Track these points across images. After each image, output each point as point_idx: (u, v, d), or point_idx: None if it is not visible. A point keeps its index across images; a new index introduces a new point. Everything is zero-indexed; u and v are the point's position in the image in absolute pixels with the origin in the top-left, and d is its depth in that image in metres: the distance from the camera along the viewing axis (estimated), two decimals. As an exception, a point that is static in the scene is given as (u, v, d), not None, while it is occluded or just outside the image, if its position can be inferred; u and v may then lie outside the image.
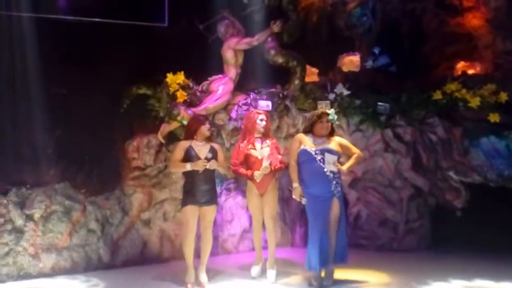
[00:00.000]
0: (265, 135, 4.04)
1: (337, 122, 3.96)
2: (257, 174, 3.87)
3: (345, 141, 3.97)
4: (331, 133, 3.88)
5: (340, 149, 3.83)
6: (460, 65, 5.43)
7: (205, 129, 3.80)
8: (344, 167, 3.81)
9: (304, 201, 3.77)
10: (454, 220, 4.93)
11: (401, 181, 4.99)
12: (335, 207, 3.74)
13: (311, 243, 3.75)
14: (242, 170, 3.95)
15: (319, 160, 3.72)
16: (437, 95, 4.95)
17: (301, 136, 3.87)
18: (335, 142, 3.84)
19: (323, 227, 3.70)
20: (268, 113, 4.26)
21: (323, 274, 3.78)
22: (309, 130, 3.87)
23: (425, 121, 4.99)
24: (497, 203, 4.89)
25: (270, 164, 3.87)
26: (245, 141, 4.01)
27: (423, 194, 5.04)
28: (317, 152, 3.73)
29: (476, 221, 4.94)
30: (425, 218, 5.05)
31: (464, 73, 5.28)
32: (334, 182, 3.72)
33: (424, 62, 5.69)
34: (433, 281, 3.87)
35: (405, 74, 5.51)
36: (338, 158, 3.80)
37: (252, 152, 3.94)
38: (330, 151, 3.74)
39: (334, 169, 3.71)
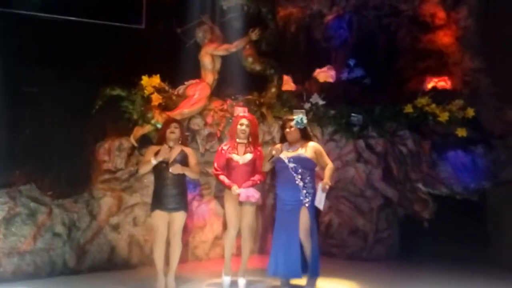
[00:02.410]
0: (252, 141, 3.95)
1: (302, 126, 3.80)
2: (234, 189, 3.81)
3: (320, 149, 3.86)
4: (306, 138, 3.84)
5: (314, 156, 3.78)
6: (431, 80, 5.62)
7: (168, 132, 3.72)
8: (326, 181, 3.70)
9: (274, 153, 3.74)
10: (422, 230, 5.06)
11: (372, 191, 5.10)
12: (304, 216, 3.70)
13: (272, 249, 3.82)
14: (223, 179, 3.86)
15: (291, 168, 3.72)
16: (408, 109, 5.11)
17: (278, 145, 3.86)
18: (310, 149, 3.79)
19: (287, 235, 3.71)
20: (253, 120, 4.09)
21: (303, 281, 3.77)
22: (283, 138, 3.90)
23: (396, 134, 5.13)
24: (462, 215, 5.07)
25: (244, 196, 3.79)
26: (228, 145, 3.96)
27: (393, 205, 5.15)
28: (290, 160, 3.74)
29: (442, 232, 5.10)
30: (394, 228, 5.17)
31: (434, 88, 5.47)
32: (304, 191, 3.71)
33: (397, 76, 5.86)
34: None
35: (379, 87, 5.66)
36: (313, 167, 3.79)
37: (233, 156, 3.89)
38: (305, 160, 3.73)
39: (323, 201, 3.69)
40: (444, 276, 4.35)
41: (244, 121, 3.96)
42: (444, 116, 5.02)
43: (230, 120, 4.40)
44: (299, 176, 3.73)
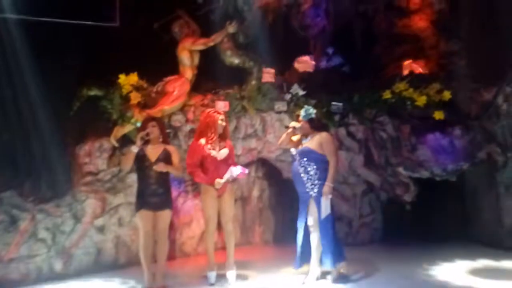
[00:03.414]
0: (223, 136, 4.02)
1: (308, 118, 3.84)
2: (218, 182, 3.83)
3: (326, 140, 3.82)
4: (318, 129, 3.86)
5: (320, 147, 3.78)
6: (408, 64, 5.68)
7: (140, 134, 3.67)
8: (328, 183, 3.71)
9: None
10: (404, 213, 5.18)
11: (354, 177, 5.18)
12: (311, 208, 3.78)
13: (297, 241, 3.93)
14: (202, 175, 3.85)
15: (298, 161, 3.80)
16: (387, 95, 5.16)
17: (296, 137, 3.96)
18: (316, 140, 3.81)
19: (301, 226, 3.86)
20: (226, 114, 4.25)
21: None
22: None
23: (376, 120, 5.19)
24: (443, 196, 5.21)
25: (238, 175, 3.87)
26: (201, 141, 3.93)
27: (375, 190, 5.25)
28: (298, 153, 3.84)
29: (424, 214, 5.23)
30: (377, 213, 5.28)
31: (411, 73, 5.53)
32: (309, 183, 3.75)
33: (375, 62, 5.90)
34: (387, 271, 4.08)
35: (358, 74, 5.70)
36: (320, 158, 3.75)
37: (212, 153, 3.89)
38: (308, 152, 3.77)
39: (328, 210, 3.73)
40: (427, 256, 4.50)
41: (223, 117, 4.01)
42: (421, 100, 5.10)
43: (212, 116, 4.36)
44: (303, 169, 3.78)
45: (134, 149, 3.64)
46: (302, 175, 3.79)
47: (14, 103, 4.40)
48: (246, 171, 3.98)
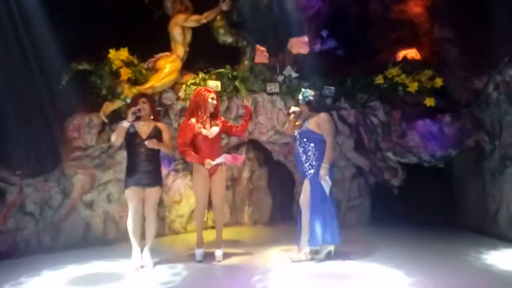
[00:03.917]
0: (213, 115, 4.00)
1: (305, 101, 3.87)
2: (209, 162, 3.83)
3: (323, 121, 3.83)
4: (316, 111, 3.87)
5: (317, 127, 3.83)
6: (402, 51, 5.67)
7: (131, 109, 3.62)
8: (324, 165, 3.74)
9: None
10: (392, 197, 5.26)
11: (344, 161, 5.22)
12: (305, 187, 3.85)
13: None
14: (193, 154, 3.84)
15: (298, 141, 3.89)
16: (379, 80, 5.17)
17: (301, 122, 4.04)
18: (314, 121, 3.86)
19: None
20: (217, 93, 4.22)
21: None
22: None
23: (368, 104, 5.21)
24: (430, 181, 5.29)
25: (225, 163, 3.92)
26: (192, 120, 3.90)
27: (364, 174, 5.30)
28: (298, 133, 3.92)
29: (411, 199, 5.32)
30: (365, 196, 5.35)
31: (404, 58, 5.54)
32: (307, 164, 3.82)
33: (369, 47, 5.88)
34: (372, 252, 4.15)
35: (351, 58, 5.68)
36: (317, 138, 3.79)
37: (202, 131, 3.87)
38: (306, 133, 3.84)
39: (329, 182, 3.80)
40: (413, 239, 4.58)
41: (214, 95, 3.98)
42: (413, 86, 5.12)
43: (203, 94, 4.33)
44: (302, 149, 3.86)
45: (125, 124, 3.61)
46: (301, 155, 3.85)
47: (2, 76, 4.30)
48: (241, 159, 4.04)
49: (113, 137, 3.72)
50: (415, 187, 5.25)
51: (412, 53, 5.62)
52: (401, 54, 5.60)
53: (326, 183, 3.79)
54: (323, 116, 3.86)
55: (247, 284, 3.36)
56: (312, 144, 3.82)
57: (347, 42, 5.85)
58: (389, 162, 5.13)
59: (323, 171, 3.74)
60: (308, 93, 3.91)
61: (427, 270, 3.56)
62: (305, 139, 3.84)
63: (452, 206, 5.30)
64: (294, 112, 3.97)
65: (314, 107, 3.90)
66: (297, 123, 4.02)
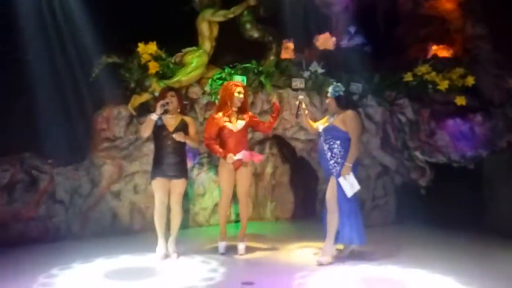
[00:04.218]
0: (241, 110, 3.99)
1: (335, 95, 3.78)
2: (231, 157, 3.84)
3: (350, 118, 3.74)
4: (344, 107, 3.78)
5: (343, 124, 3.73)
6: (432, 47, 5.53)
7: (161, 102, 3.67)
8: (347, 164, 3.65)
9: None
10: (418, 198, 5.15)
11: (369, 159, 5.14)
12: (330, 185, 3.74)
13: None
14: (217, 148, 3.88)
15: (322, 138, 3.80)
16: (408, 77, 5.06)
17: (325, 118, 3.97)
18: (341, 118, 3.75)
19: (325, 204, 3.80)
20: (246, 88, 4.17)
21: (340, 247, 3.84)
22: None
23: (396, 102, 5.10)
24: (459, 182, 5.14)
25: (247, 155, 3.88)
26: (219, 114, 3.93)
27: (390, 173, 5.21)
28: (323, 130, 3.82)
29: (439, 200, 5.18)
30: (391, 195, 5.25)
31: (435, 56, 5.39)
32: (333, 161, 3.72)
33: (397, 44, 5.77)
34: (395, 252, 4.07)
35: (379, 55, 5.58)
36: (343, 136, 3.71)
37: (227, 125, 3.90)
38: (332, 130, 3.74)
39: (357, 186, 3.67)
40: (438, 242, 4.46)
41: (241, 89, 3.98)
42: (443, 84, 4.99)
43: (231, 88, 4.35)
44: (327, 146, 3.74)
45: (154, 116, 3.67)
46: (326, 152, 3.75)
47: (36, 67, 4.47)
48: (260, 158, 4.01)
49: (142, 129, 3.79)
50: (443, 188, 5.12)
51: (442, 50, 5.48)
52: (431, 51, 5.46)
53: (347, 182, 3.66)
54: (350, 113, 3.78)
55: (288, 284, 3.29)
56: (338, 142, 3.73)
57: (375, 38, 5.74)
58: (416, 161, 5.02)
59: (346, 170, 3.67)
60: (339, 88, 3.83)
61: (476, 277, 3.39)
62: (330, 136, 3.76)
63: (480, 209, 5.14)
64: (301, 102, 3.87)
65: (343, 103, 3.82)
66: (306, 112, 3.91)
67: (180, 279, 3.37)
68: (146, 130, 3.75)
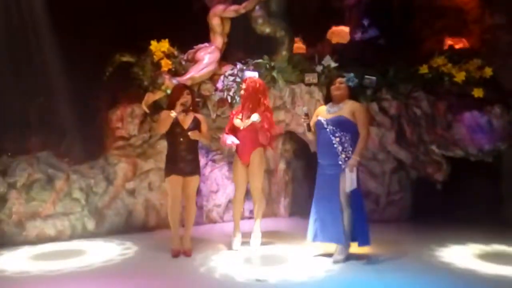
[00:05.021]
0: (253, 106, 3.91)
1: (354, 84, 3.74)
2: (238, 122, 3.86)
3: (359, 109, 3.62)
4: (351, 98, 3.68)
5: (353, 118, 3.58)
6: (448, 39, 5.41)
7: (181, 101, 3.69)
8: (356, 157, 3.51)
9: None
10: (435, 192, 5.06)
11: (384, 154, 5.06)
12: (343, 182, 3.55)
13: (311, 215, 3.75)
14: (222, 139, 3.95)
15: (330, 130, 3.58)
16: (424, 69, 4.95)
17: (320, 108, 3.81)
18: (349, 109, 3.59)
19: (327, 201, 3.61)
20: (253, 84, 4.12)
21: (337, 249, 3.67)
22: (328, 99, 3.78)
23: (411, 95, 5.00)
24: (476, 176, 5.03)
25: (257, 121, 3.78)
26: (238, 110, 3.99)
27: (405, 167, 5.12)
28: (328, 122, 3.61)
29: (456, 194, 5.08)
30: (406, 191, 5.16)
31: (451, 47, 5.27)
32: (343, 155, 3.55)
33: (412, 36, 5.64)
34: (413, 248, 4.02)
35: (394, 48, 5.47)
36: (353, 129, 3.56)
37: (236, 121, 3.93)
38: (343, 122, 3.56)
39: (354, 182, 3.52)
40: (455, 236, 4.38)
41: (245, 85, 3.96)
42: (460, 76, 4.86)
43: (241, 85, 4.34)
44: (338, 139, 3.57)
45: (173, 114, 3.69)
46: (335, 146, 3.56)
47: (50, 67, 4.52)
48: (228, 141, 3.88)
49: (159, 126, 3.80)
50: (460, 183, 5.01)
51: (459, 42, 5.34)
52: (447, 43, 5.34)
53: (351, 176, 3.51)
54: (359, 105, 3.67)
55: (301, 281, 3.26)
56: (348, 135, 3.57)
57: (389, 31, 5.64)
58: (432, 155, 4.92)
59: (353, 162, 3.51)
60: (355, 80, 3.73)
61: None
62: (340, 129, 3.56)
63: (499, 203, 5.02)
64: (307, 115, 3.70)
65: (351, 94, 3.73)
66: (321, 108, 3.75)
67: (195, 276, 3.39)
68: (164, 128, 3.76)
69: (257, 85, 3.99)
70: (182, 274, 3.45)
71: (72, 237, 4.22)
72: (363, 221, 3.66)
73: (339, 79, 3.74)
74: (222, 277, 3.36)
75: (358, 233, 3.67)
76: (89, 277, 3.38)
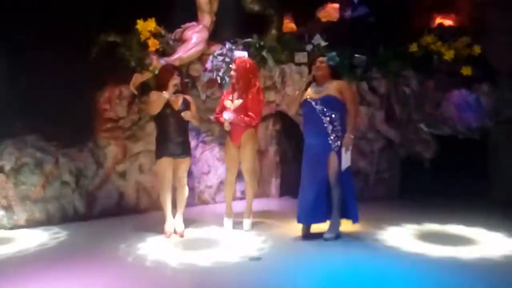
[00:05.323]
0: (244, 87, 3.89)
1: (334, 63, 3.71)
2: (229, 103, 3.90)
3: (346, 88, 3.63)
4: (335, 77, 3.69)
5: (340, 94, 3.59)
6: (437, 17, 5.38)
7: (174, 81, 3.68)
8: (349, 134, 3.53)
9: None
10: (423, 170, 5.13)
11: (373, 133, 5.10)
12: (333, 161, 3.56)
13: (300, 196, 3.76)
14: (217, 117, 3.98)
15: (319, 110, 3.57)
16: (413, 48, 4.96)
17: (308, 90, 3.76)
18: (335, 88, 3.59)
19: (312, 181, 3.62)
20: (243, 64, 4.09)
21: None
22: (313, 78, 3.73)
23: (400, 74, 5.02)
24: (464, 153, 5.11)
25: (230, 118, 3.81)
26: (228, 91, 3.98)
27: (394, 146, 5.18)
28: (317, 102, 3.59)
29: (444, 171, 5.17)
30: (395, 169, 5.24)
31: (440, 25, 5.26)
32: (333, 135, 3.56)
33: (402, 14, 5.60)
34: (402, 223, 4.11)
35: (383, 26, 5.43)
36: (342, 107, 3.57)
37: (226, 102, 3.93)
38: (330, 101, 3.56)
39: (349, 162, 3.55)
40: (444, 212, 4.47)
41: (234, 66, 3.93)
42: (449, 54, 4.89)
43: (230, 65, 4.29)
44: (327, 119, 3.56)
45: (166, 95, 3.64)
46: (325, 125, 3.56)
47: (34, 48, 4.39)
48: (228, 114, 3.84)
49: (152, 107, 3.74)
50: (448, 160, 5.09)
51: (448, 19, 5.33)
52: (437, 20, 5.32)
53: (346, 155, 3.53)
54: (344, 83, 3.70)
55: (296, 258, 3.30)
56: (337, 114, 3.57)
57: (379, 8, 5.58)
58: (421, 134, 4.98)
59: (349, 141, 3.52)
60: (336, 59, 3.76)
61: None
62: (328, 108, 3.55)
63: (486, 179, 5.12)
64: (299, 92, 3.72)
65: (336, 73, 3.74)
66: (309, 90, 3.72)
67: (186, 256, 3.42)
68: (156, 109, 3.71)
69: (248, 65, 3.94)
70: (177, 255, 3.47)
71: (62, 221, 4.19)
72: (354, 199, 3.73)
73: (320, 59, 3.72)
74: (213, 258, 3.38)
75: (351, 211, 3.73)
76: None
